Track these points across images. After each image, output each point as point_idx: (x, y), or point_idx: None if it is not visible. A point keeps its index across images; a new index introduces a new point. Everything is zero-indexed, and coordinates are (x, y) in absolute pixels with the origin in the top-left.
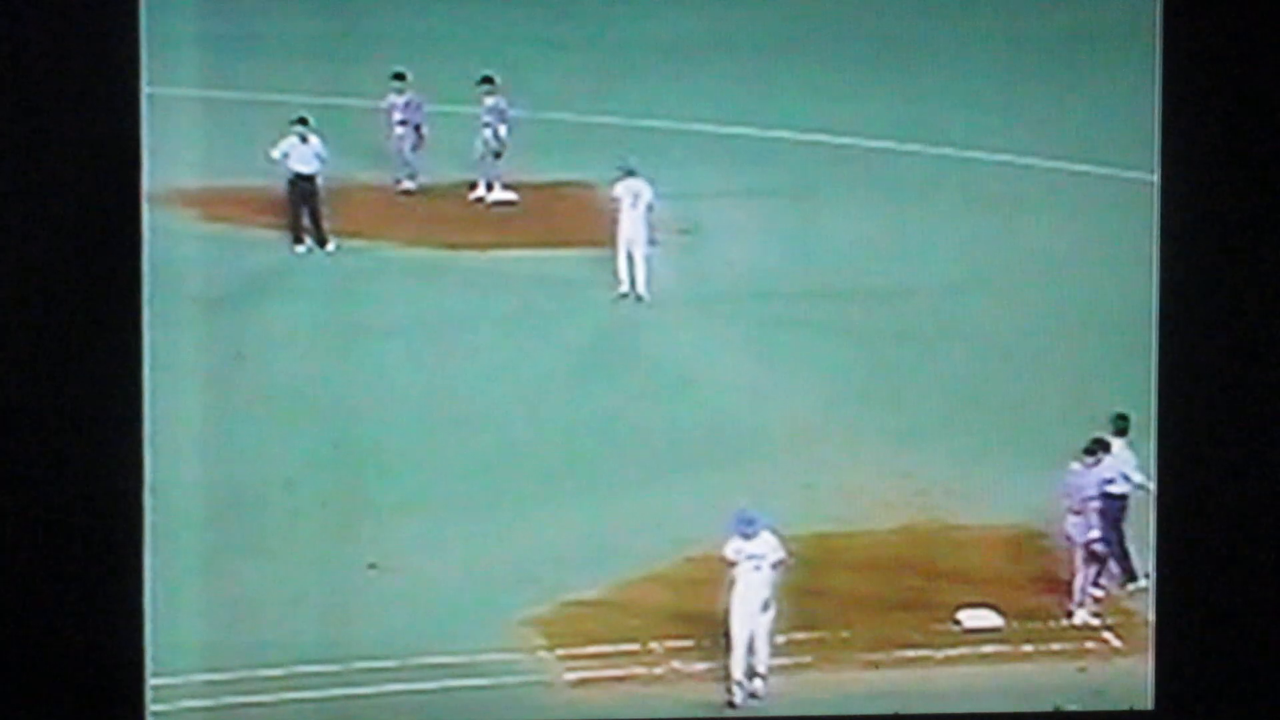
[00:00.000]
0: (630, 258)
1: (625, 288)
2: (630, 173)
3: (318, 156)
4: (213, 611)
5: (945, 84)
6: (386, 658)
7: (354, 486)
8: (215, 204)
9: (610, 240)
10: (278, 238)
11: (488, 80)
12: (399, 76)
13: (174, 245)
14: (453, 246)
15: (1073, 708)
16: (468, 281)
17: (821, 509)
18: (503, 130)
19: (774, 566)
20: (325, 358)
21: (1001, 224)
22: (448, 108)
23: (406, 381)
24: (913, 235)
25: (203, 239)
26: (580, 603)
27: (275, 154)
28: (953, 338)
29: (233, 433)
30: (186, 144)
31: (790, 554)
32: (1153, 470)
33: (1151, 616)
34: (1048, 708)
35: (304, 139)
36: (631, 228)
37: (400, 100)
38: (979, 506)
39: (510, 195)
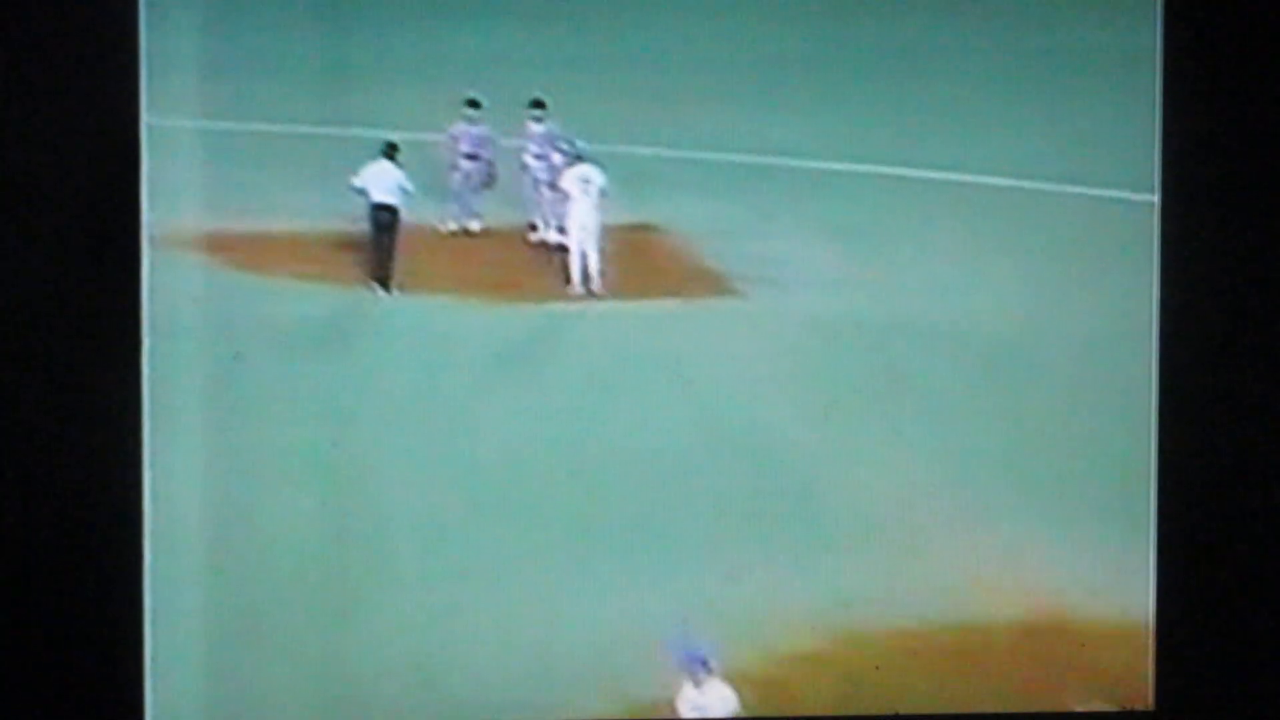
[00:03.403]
0: (583, 252)
1: (579, 286)
2: (578, 158)
3: (402, 188)
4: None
5: (939, 106)
6: None
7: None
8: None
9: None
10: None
11: (538, 104)
12: (472, 104)
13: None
14: (525, 298)
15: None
16: (537, 337)
17: (902, 597)
18: (557, 159)
19: None
20: (378, 424)
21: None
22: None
23: (478, 459)
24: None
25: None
26: None
27: (357, 182)
28: (1010, 380)
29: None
30: (216, 181)
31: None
32: (1153, 471)
33: (1152, 616)
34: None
35: (388, 167)
36: (583, 218)
37: (471, 130)
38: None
39: (564, 238)
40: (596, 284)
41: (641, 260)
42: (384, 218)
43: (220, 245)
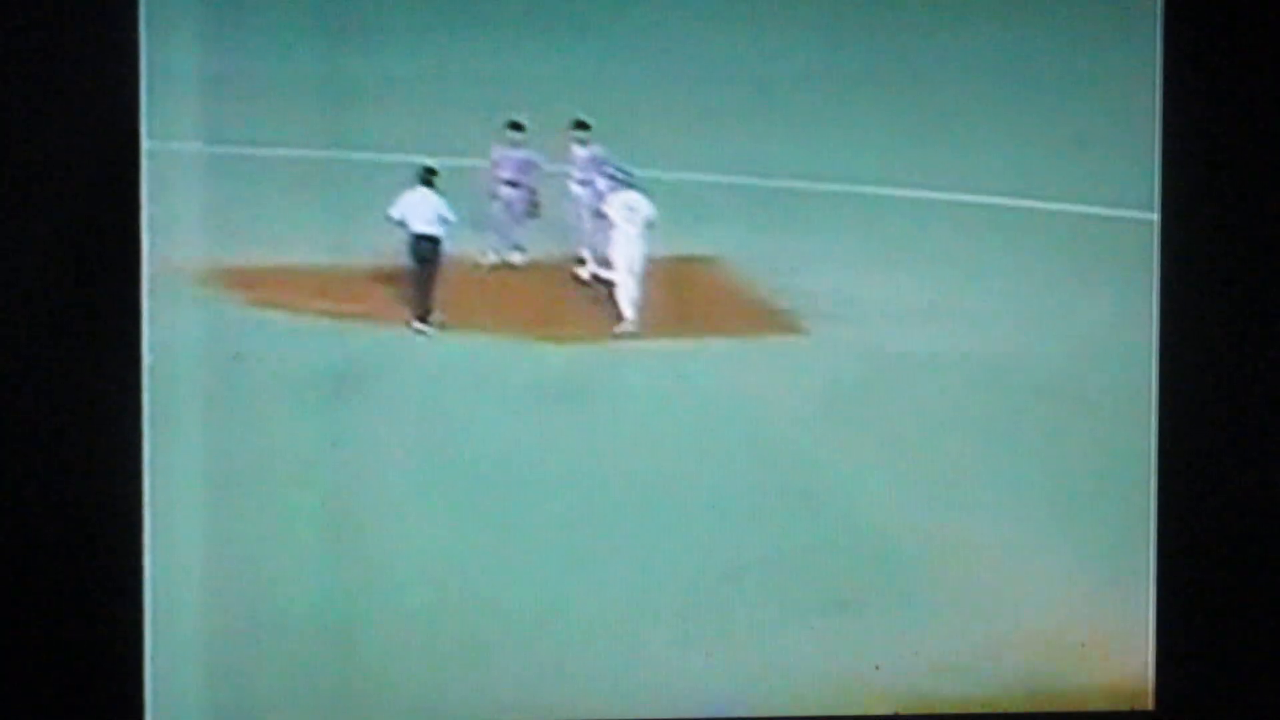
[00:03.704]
0: (625, 285)
1: (624, 318)
2: (627, 184)
3: (442, 217)
4: None
5: (938, 126)
6: None
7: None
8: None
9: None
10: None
11: (582, 125)
12: (515, 126)
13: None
14: (571, 336)
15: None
16: (582, 378)
17: (1008, 668)
18: (603, 185)
19: None
20: (408, 466)
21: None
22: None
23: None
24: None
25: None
26: None
27: (394, 213)
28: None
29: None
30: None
31: None
32: (1153, 471)
33: (1152, 616)
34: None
35: (427, 194)
36: (626, 247)
37: (513, 155)
38: None
39: (611, 274)
40: (635, 318)
41: (694, 295)
42: (425, 249)
43: (237, 281)
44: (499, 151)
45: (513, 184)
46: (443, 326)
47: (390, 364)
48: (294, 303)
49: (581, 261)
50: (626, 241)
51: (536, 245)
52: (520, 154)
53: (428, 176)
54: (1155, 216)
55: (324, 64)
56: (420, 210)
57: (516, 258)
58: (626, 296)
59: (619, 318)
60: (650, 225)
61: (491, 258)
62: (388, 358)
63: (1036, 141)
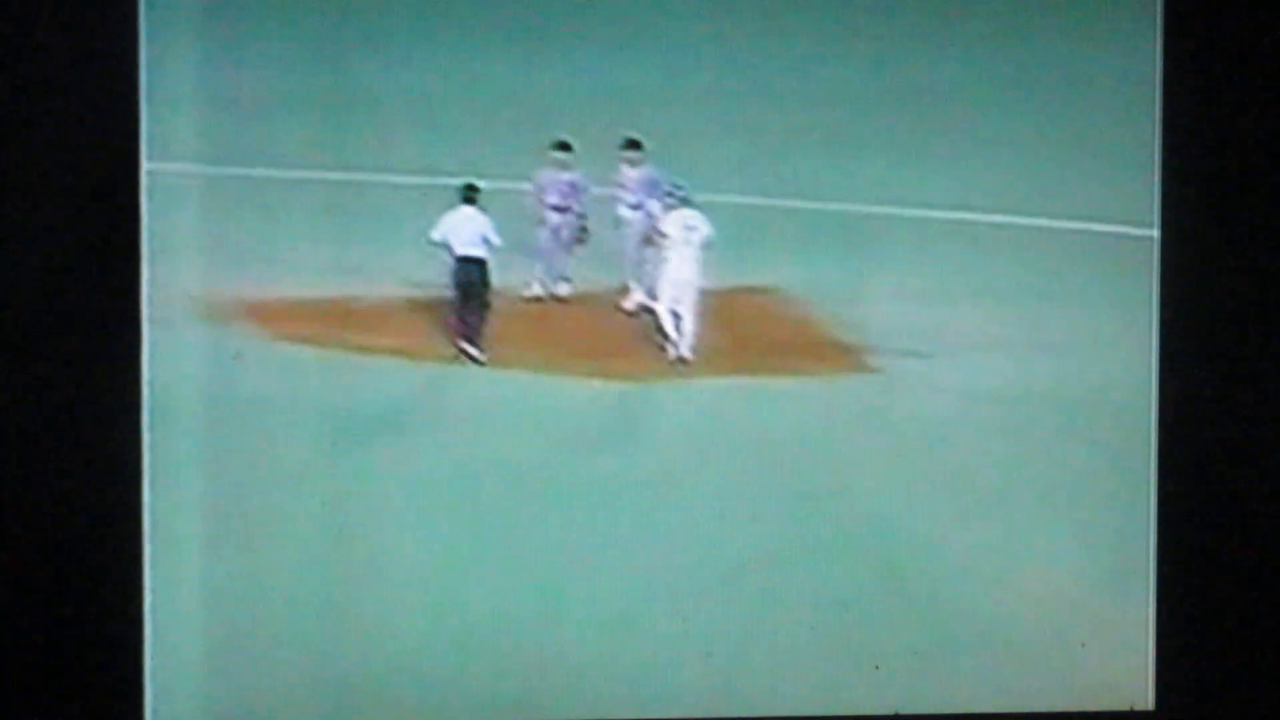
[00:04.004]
0: (676, 312)
1: (673, 349)
2: (685, 201)
3: (485, 239)
4: None
5: (937, 143)
6: None
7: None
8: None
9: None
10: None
11: (633, 145)
12: (563, 146)
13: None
14: (621, 373)
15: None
16: (633, 419)
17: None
18: (656, 209)
19: None
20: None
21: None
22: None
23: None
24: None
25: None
26: None
27: (435, 235)
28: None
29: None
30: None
31: None
32: (1153, 471)
33: (1152, 616)
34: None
35: (470, 213)
36: (681, 271)
37: (560, 178)
38: None
39: (660, 304)
40: (688, 350)
41: (750, 329)
42: (471, 273)
43: (260, 314)
44: (545, 174)
45: (559, 209)
46: (481, 361)
47: (423, 403)
48: (317, 337)
49: (629, 292)
50: (683, 264)
51: (584, 275)
52: (567, 176)
53: (469, 194)
54: (1155, 232)
55: (344, 81)
56: (463, 231)
57: (563, 289)
58: (679, 327)
59: (671, 352)
60: (708, 245)
61: (536, 289)
62: (420, 397)
63: (1037, 158)
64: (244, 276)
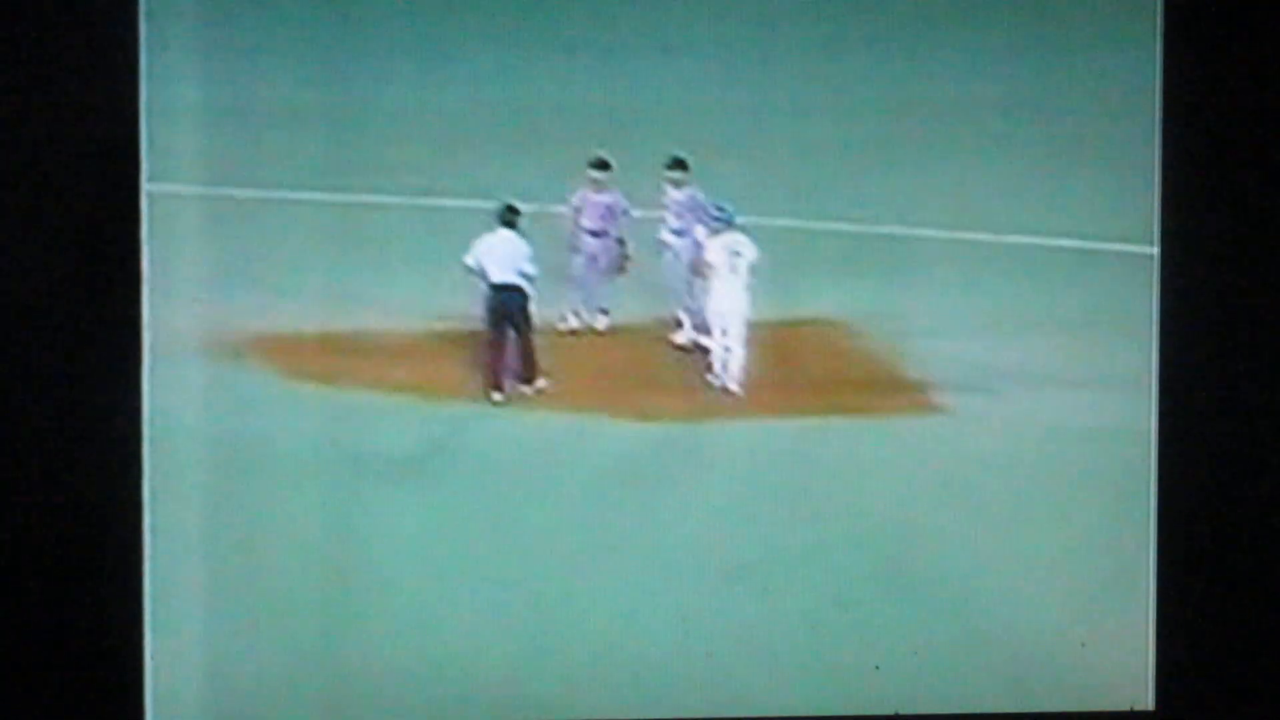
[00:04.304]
0: (725, 345)
1: (716, 384)
2: (729, 224)
3: (521, 273)
4: None
5: (938, 164)
6: None
7: None
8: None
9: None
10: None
11: (679, 165)
12: (601, 165)
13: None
14: (666, 413)
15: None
16: (678, 462)
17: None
18: (702, 234)
19: None
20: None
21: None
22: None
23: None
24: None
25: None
26: None
27: (469, 261)
28: None
29: None
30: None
31: None
32: (1153, 472)
33: (1152, 616)
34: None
35: (509, 237)
36: (728, 298)
37: (598, 199)
38: None
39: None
40: (736, 383)
41: (805, 364)
42: (507, 303)
43: (267, 348)
44: (582, 196)
45: (597, 233)
46: (509, 400)
47: (444, 447)
48: (328, 373)
49: (679, 325)
50: (729, 293)
51: (624, 306)
52: (605, 198)
53: (509, 217)
54: (1155, 250)
55: (356, 96)
56: (500, 256)
57: (601, 321)
58: (728, 361)
59: (718, 388)
60: (755, 271)
61: (571, 321)
62: (441, 440)
63: (1039, 177)
64: (250, 307)
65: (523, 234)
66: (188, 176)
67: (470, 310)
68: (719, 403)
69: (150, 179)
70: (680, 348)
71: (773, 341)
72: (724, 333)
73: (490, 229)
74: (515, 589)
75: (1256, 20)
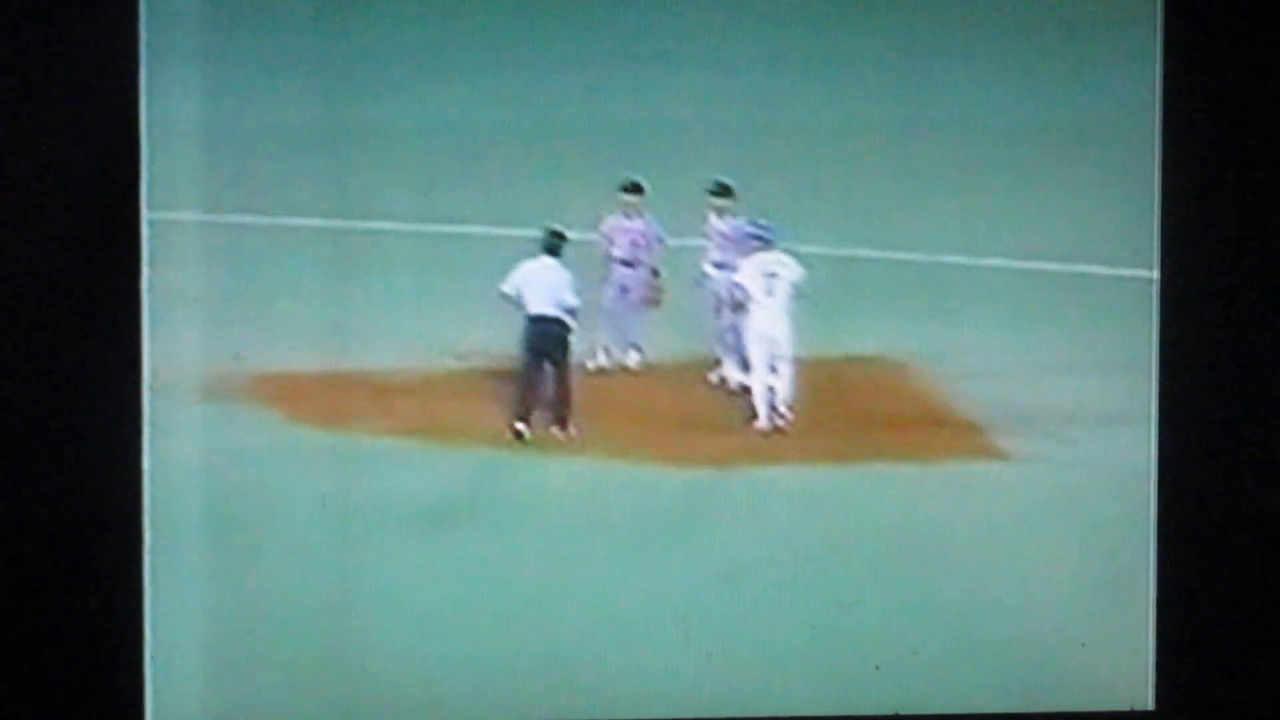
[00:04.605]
0: (769, 383)
1: (764, 419)
2: (766, 242)
3: (563, 305)
4: None
5: (994, 190)
6: None
7: None
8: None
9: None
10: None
11: (723, 191)
12: (633, 188)
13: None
14: (703, 458)
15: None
16: (717, 510)
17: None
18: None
19: None
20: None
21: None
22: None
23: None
24: None
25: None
26: None
27: (507, 288)
28: None
29: None
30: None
31: None
32: (1153, 472)
33: (1152, 616)
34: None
35: (552, 265)
36: (767, 325)
37: (630, 226)
38: None
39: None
40: (784, 418)
41: (854, 405)
42: (547, 335)
43: (270, 391)
44: (613, 222)
45: (628, 263)
46: (535, 444)
47: (464, 497)
48: (336, 418)
49: (717, 363)
50: (767, 318)
51: (658, 342)
52: (638, 224)
53: (554, 242)
54: (1155, 274)
55: (364, 119)
56: (540, 285)
57: (633, 359)
58: (761, 392)
59: (760, 430)
60: (799, 294)
61: (601, 359)
62: (460, 488)
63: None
64: (253, 346)
65: (566, 263)
66: (190, 203)
67: (488, 346)
68: (760, 447)
69: (151, 207)
70: (719, 385)
71: (817, 380)
72: (767, 367)
73: (513, 256)
74: (530, 634)
75: (1256, 44)
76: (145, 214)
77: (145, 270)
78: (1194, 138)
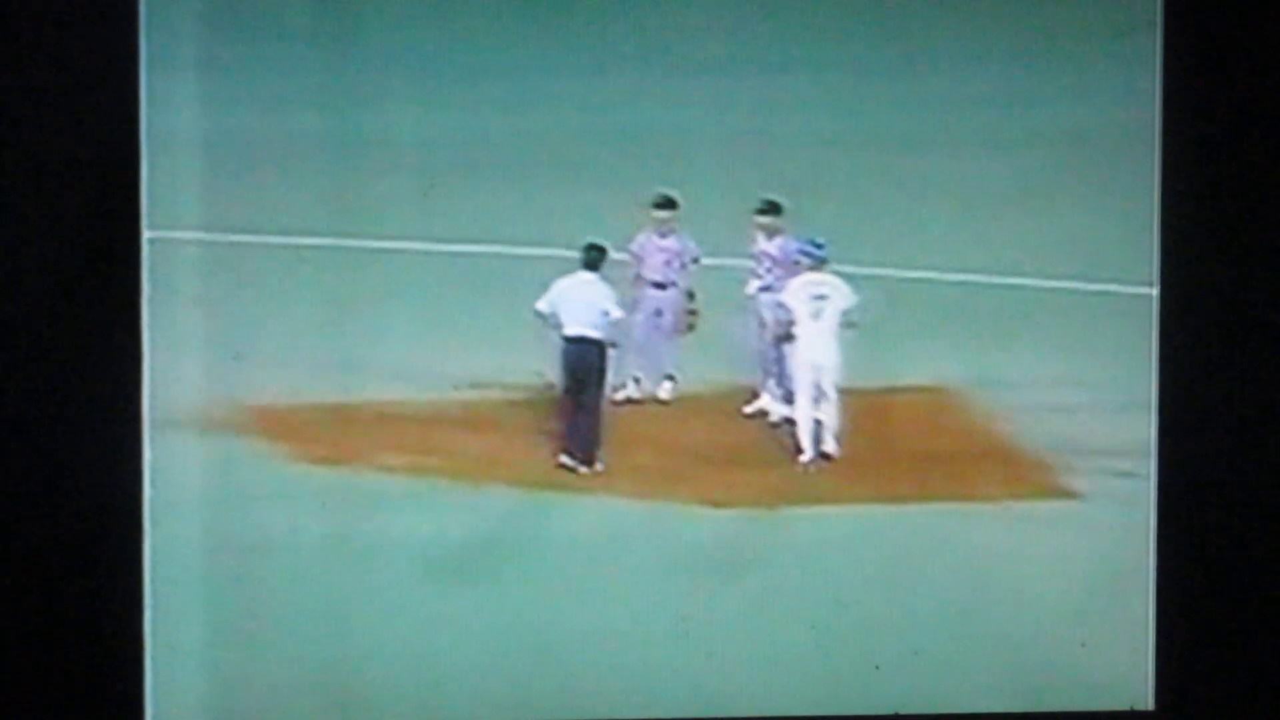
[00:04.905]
0: (815, 417)
1: (809, 451)
2: (820, 261)
3: (600, 322)
4: None
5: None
6: None
7: None
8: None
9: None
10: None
11: (771, 208)
12: (666, 203)
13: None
14: (743, 497)
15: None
16: (759, 553)
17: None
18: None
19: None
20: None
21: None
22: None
23: None
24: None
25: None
26: None
27: (543, 306)
28: None
29: None
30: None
31: None
32: (1153, 472)
33: (1152, 616)
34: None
35: (591, 280)
36: (811, 350)
37: (662, 244)
38: None
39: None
40: (832, 448)
41: (908, 440)
42: (583, 358)
43: (273, 426)
44: (643, 240)
45: (661, 285)
46: (590, 460)
47: (485, 541)
48: (339, 453)
49: (754, 395)
50: (812, 344)
51: (693, 372)
52: (671, 243)
53: (593, 257)
54: (1154, 291)
55: (370, 132)
56: (578, 303)
57: (665, 389)
58: (806, 424)
59: (805, 467)
60: (849, 320)
61: (631, 389)
62: (479, 532)
63: (1029, 216)
64: (254, 378)
65: (606, 278)
66: (189, 222)
67: (504, 377)
68: (805, 485)
69: (151, 225)
70: (756, 417)
71: (867, 412)
72: (812, 399)
73: (532, 277)
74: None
75: (1256, 58)
76: (145, 233)
77: (145, 289)
78: None
